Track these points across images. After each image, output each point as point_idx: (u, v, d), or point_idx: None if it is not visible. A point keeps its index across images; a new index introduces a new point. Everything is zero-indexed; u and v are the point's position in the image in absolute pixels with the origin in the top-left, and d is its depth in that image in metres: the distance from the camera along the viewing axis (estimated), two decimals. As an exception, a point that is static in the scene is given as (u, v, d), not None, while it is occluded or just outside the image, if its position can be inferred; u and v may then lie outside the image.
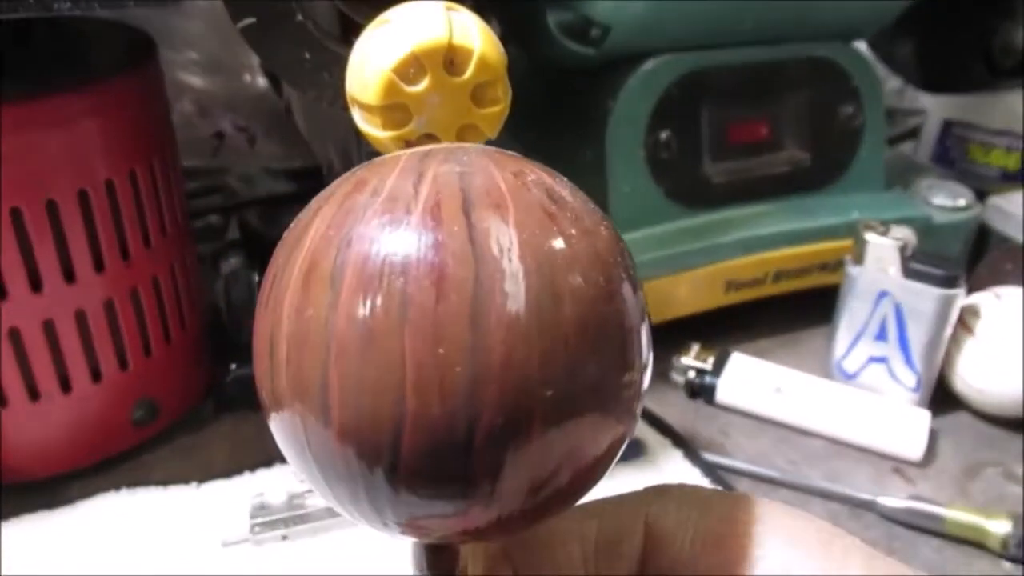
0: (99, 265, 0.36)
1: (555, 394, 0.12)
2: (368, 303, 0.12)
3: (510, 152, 0.15)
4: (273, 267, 0.14)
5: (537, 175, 0.14)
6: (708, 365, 0.45)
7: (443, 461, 0.12)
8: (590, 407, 0.13)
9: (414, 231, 0.12)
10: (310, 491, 0.36)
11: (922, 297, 0.41)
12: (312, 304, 0.13)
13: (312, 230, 0.13)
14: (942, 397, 0.44)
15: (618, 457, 0.14)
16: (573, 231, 0.13)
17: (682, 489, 0.17)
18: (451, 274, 0.12)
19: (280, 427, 0.14)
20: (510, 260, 0.12)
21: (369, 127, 0.20)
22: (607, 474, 0.15)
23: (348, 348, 0.12)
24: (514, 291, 0.12)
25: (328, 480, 0.13)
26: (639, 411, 0.14)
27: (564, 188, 0.14)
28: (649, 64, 0.44)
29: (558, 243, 0.13)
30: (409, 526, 0.13)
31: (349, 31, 0.29)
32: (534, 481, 0.13)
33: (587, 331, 0.13)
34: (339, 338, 0.12)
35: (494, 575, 0.16)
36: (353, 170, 0.14)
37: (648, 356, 0.14)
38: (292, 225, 0.14)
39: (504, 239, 0.12)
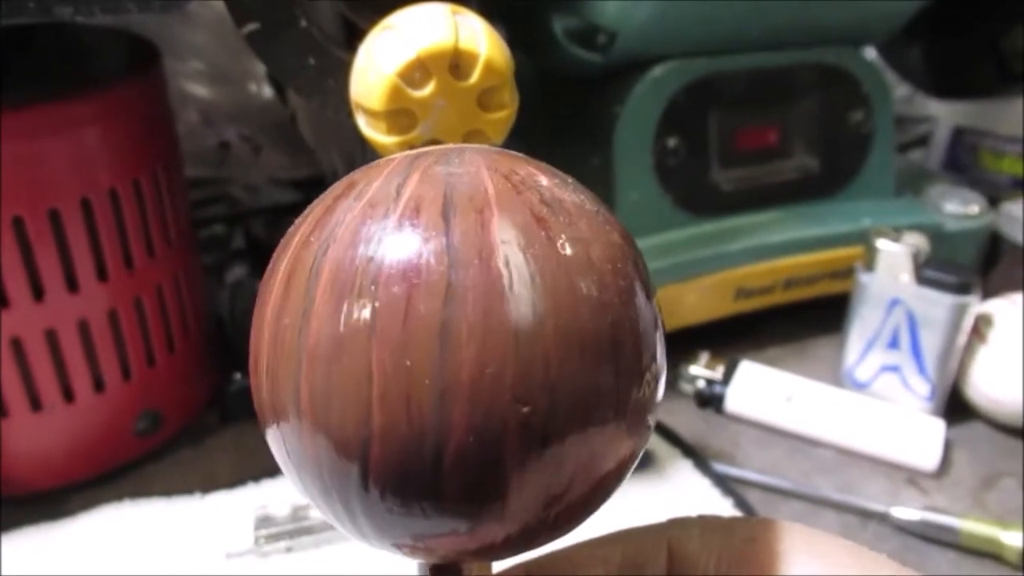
0: (102, 274, 0.36)
1: (532, 412, 0.12)
2: (339, 311, 0.12)
3: (513, 152, 0.14)
4: (264, 275, 0.14)
5: (534, 177, 0.13)
6: (718, 374, 0.44)
7: (412, 479, 0.12)
8: (577, 425, 0.12)
9: (388, 236, 0.12)
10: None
11: (935, 304, 0.40)
12: (289, 312, 0.12)
13: (298, 235, 0.13)
14: (956, 406, 0.43)
15: (625, 476, 0.14)
16: (564, 237, 0.12)
17: (703, 517, 0.17)
18: (422, 283, 0.11)
19: (270, 439, 0.13)
20: (488, 269, 0.12)
21: (374, 133, 0.20)
22: (613, 494, 0.14)
23: (318, 358, 0.12)
24: (490, 302, 0.11)
25: (311, 493, 0.13)
26: (643, 427, 0.13)
27: (564, 190, 0.13)
28: (656, 70, 0.44)
29: (544, 251, 0.12)
30: (399, 545, 0.13)
31: (354, 36, 0.29)
32: (530, 500, 0.12)
33: (571, 345, 0.12)
34: (310, 348, 0.12)
35: None
36: (352, 172, 0.14)
37: (654, 365, 0.13)
38: (284, 236, 0.14)
39: (484, 246, 0.12)
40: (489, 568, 0.15)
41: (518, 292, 0.12)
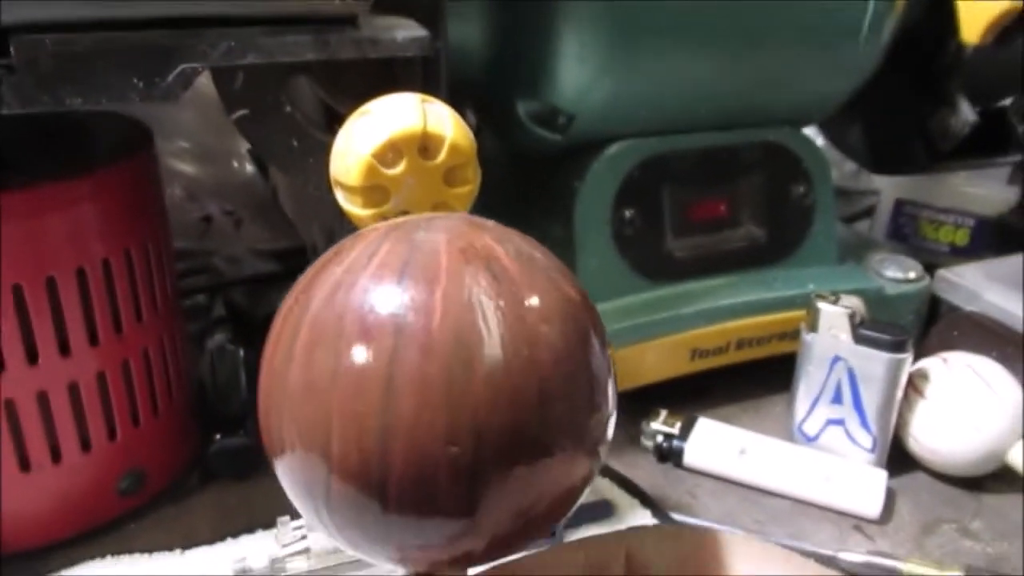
0: (93, 338, 0.38)
1: (460, 452, 0.14)
2: (310, 360, 0.14)
3: (481, 221, 0.16)
4: (273, 327, 0.16)
5: (489, 248, 0.15)
6: (676, 430, 0.47)
7: (363, 504, 0.14)
8: (503, 464, 0.14)
9: (354, 297, 0.14)
10: (291, 555, 0.37)
11: (872, 361, 0.44)
12: (279, 362, 0.15)
13: (293, 295, 0.16)
14: (899, 457, 0.46)
15: (583, 495, 0.16)
16: (502, 303, 0.14)
17: (658, 526, 0.20)
18: (375, 338, 0.14)
19: (284, 471, 0.15)
20: (428, 330, 0.14)
21: (351, 206, 0.22)
22: (571, 511, 0.16)
23: (296, 396, 0.14)
24: (425, 358, 0.13)
25: (306, 512, 0.15)
26: (602, 456, 0.16)
27: (516, 259, 0.15)
28: (613, 148, 0.47)
29: (483, 315, 0.14)
30: (404, 558, 0.15)
31: (333, 121, 0.32)
32: (509, 510, 0.14)
33: (499, 397, 0.14)
34: (291, 391, 0.14)
35: None
36: (342, 240, 0.17)
37: (611, 407, 0.15)
38: (292, 288, 0.16)
39: (429, 310, 0.14)
40: (464, 574, 0.17)
41: (453, 350, 0.14)
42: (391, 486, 0.14)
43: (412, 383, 0.13)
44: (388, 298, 0.14)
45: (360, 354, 0.14)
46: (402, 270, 0.14)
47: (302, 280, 0.16)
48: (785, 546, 0.40)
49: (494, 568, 0.19)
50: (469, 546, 0.15)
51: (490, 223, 0.16)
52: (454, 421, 0.13)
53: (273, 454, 0.15)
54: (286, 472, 0.15)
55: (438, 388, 0.13)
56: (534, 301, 0.14)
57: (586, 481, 0.16)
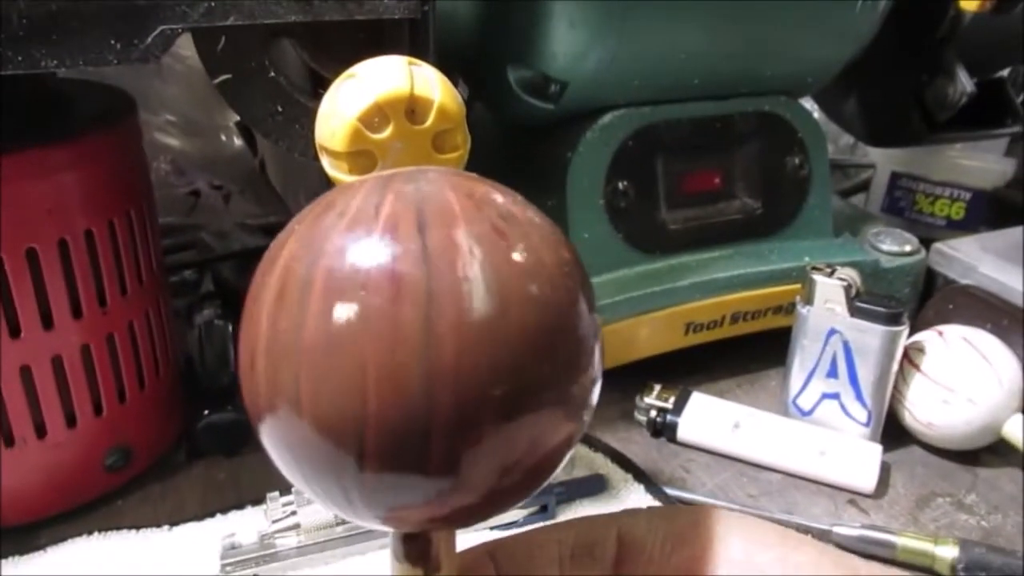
0: (77, 312, 0.37)
1: (505, 393, 0.14)
2: (333, 313, 0.14)
3: (468, 173, 0.16)
4: (251, 287, 0.15)
5: (490, 195, 0.15)
6: (669, 404, 0.46)
7: (405, 455, 0.14)
8: (541, 406, 0.14)
9: (374, 248, 0.14)
10: (281, 531, 0.37)
11: (868, 334, 0.43)
12: (285, 317, 0.14)
13: (285, 250, 0.15)
14: (894, 431, 0.46)
15: (570, 452, 0.16)
16: (521, 246, 0.14)
17: (651, 507, 0.19)
18: (406, 286, 0.13)
19: (266, 432, 0.15)
20: (459, 273, 0.14)
21: (337, 172, 0.22)
22: (561, 468, 0.16)
23: (317, 355, 0.14)
24: (463, 301, 0.13)
25: (307, 476, 0.15)
26: (588, 414, 0.16)
27: (516, 206, 0.15)
28: (606, 118, 0.47)
29: (505, 256, 0.14)
30: (384, 517, 0.15)
31: (318, 85, 0.32)
32: (491, 471, 0.14)
33: (533, 337, 0.14)
34: (308, 346, 0.14)
35: (477, 574, 0.18)
36: (324, 194, 0.16)
37: (597, 367, 0.15)
38: (270, 247, 0.16)
39: (454, 254, 0.14)
40: (453, 536, 0.17)
41: (485, 292, 0.14)
42: (435, 434, 0.13)
43: (448, 327, 0.13)
44: (410, 245, 0.14)
45: (389, 303, 0.13)
46: (418, 217, 0.14)
47: (291, 236, 0.15)
48: (780, 521, 0.40)
49: (485, 545, 0.18)
50: (455, 504, 0.14)
51: (480, 178, 0.16)
52: (496, 361, 0.13)
53: (270, 416, 0.15)
54: (292, 435, 0.14)
55: (476, 330, 0.13)
56: (528, 257, 0.14)
57: (569, 442, 0.15)
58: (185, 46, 0.29)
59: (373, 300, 0.13)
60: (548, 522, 0.19)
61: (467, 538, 0.18)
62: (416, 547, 0.16)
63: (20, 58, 0.26)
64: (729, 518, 0.19)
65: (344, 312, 0.13)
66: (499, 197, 0.15)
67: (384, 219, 0.14)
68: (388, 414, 0.13)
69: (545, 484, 0.16)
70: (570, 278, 0.15)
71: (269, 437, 0.15)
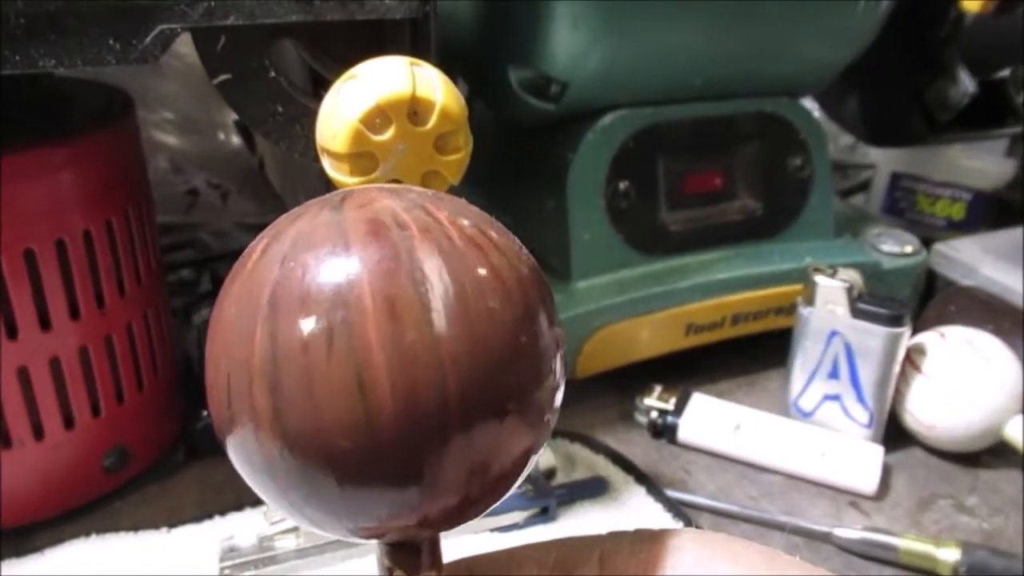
0: (74, 312, 0.37)
1: (469, 403, 0.14)
2: (303, 325, 0.14)
3: (431, 190, 0.16)
4: (219, 302, 0.15)
5: (454, 211, 0.15)
6: (670, 406, 0.46)
7: (378, 462, 0.14)
8: (505, 414, 0.14)
9: (341, 259, 0.14)
10: (280, 533, 0.37)
11: (869, 335, 0.43)
12: (257, 328, 0.14)
13: (251, 261, 0.15)
14: (895, 433, 0.45)
15: (534, 459, 0.16)
16: (483, 262, 0.14)
17: (638, 529, 0.19)
18: (371, 301, 0.13)
19: (236, 448, 0.15)
20: (429, 285, 0.14)
21: (338, 174, 0.21)
22: (530, 467, 0.16)
23: (290, 367, 0.14)
24: (430, 313, 0.14)
25: (281, 492, 0.15)
26: (553, 418, 0.16)
27: (480, 223, 0.15)
28: (607, 119, 0.46)
29: (469, 273, 0.14)
30: (363, 528, 0.15)
31: (319, 86, 0.31)
32: (460, 476, 0.14)
33: (495, 351, 0.14)
34: (282, 358, 0.14)
35: None
36: (305, 203, 0.16)
37: (559, 376, 0.16)
38: (238, 260, 0.15)
39: (418, 268, 0.14)
40: (439, 541, 0.16)
41: (437, 307, 0.14)
42: (402, 442, 0.14)
43: (421, 336, 0.14)
44: (378, 256, 0.14)
45: (361, 313, 0.14)
46: (393, 230, 0.14)
47: (263, 247, 0.15)
48: (780, 524, 0.39)
49: (464, 560, 0.18)
50: (423, 512, 0.15)
51: (447, 197, 0.16)
52: (461, 370, 0.14)
53: (240, 430, 0.14)
54: (266, 449, 0.14)
55: (427, 343, 0.14)
56: (484, 274, 0.14)
57: (533, 447, 0.16)
58: (184, 44, 0.29)
59: (336, 316, 0.13)
60: (547, 527, 0.19)
61: (467, 540, 0.18)
62: (403, 557, 0.16)
63: (18, 58, 0.26)
64: (714, 542, 0.18)
65: (314, 325, 0.13)
66: (463, 213, 0.15)
67: (348, 233, 0.14)
68: (358, 425, 0.13)
69: (517, 484, 0.16)
70: (529, 294, 0.15)
71: (239, 451, 0.15)
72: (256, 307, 0.14)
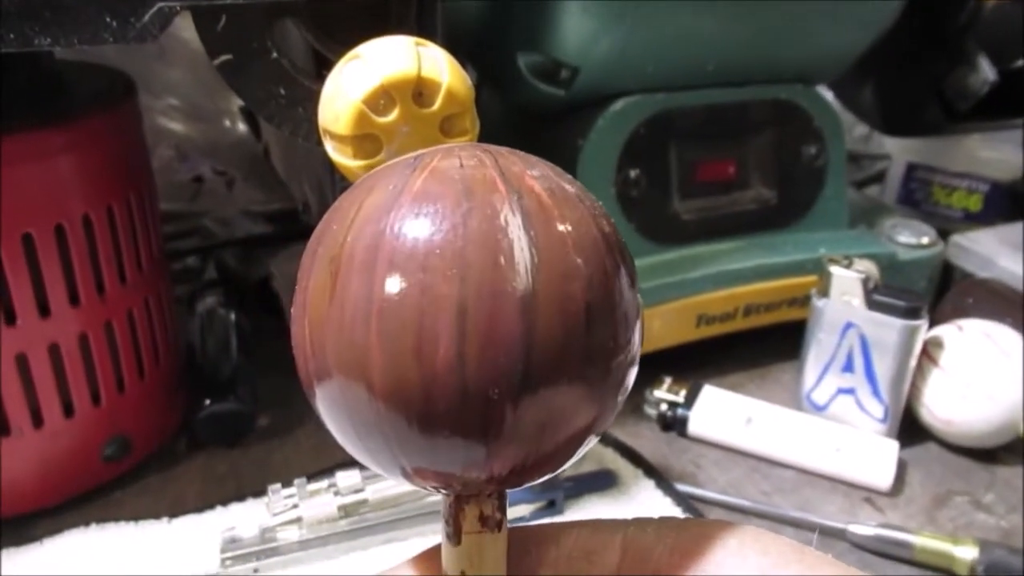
0: (74, 299, 0.36)
1: (546, 361, 0.14)
2: (395, 282, 0.14)
3: (524, 153, 0.16)
4: (305, 266, 0.16)
5: (532, 167, 0.15)
6: (680, 398, 0.45)
7: (460, 414, 0.14)
8: (564, 375, 0.14)
9: (428, 217, 0.14)
10: (282, 524, 0.36)
11: (886, 328, 0.42)
12: (350, 282, 0.14)
13: (336, 227, 0.15)
14: (910, 428, 0.44)
15: (608, 423, 0.16)
16: (563, 219, 0.15)
17: (662, 517, 0.18)
18: (461, 255, 0.14)
19: (321, 400, 0.15)
20: (512, 241, 0.14)
21: (341, 157, 0.21)
22: (588, 444, 0.16)
23: (383, 321, 0.14)
24: (515, 269, 0.14)
25: (363, 442, 0.15)
26: (628, 385, 0.16)
27: (558, 178, 0.15)
28: (618, 105, 0.45)
29: (546, 229, 0.14)
30: (431, 476, 0.15)
31: (322, 67, 0.30)
32: (533, 429, 0.15)
33: (576, 308, 0.14)
34: (376, 313, 0.14)
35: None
36: (372, 172, 0.16)
37: (636, 346, 0.16)
38: (318, 228, 0.16)
39: (495, 226, 0.14)
40: (505, 499, 0.17)
41: (522, 261, 0.14)
42: (487, 396, 0.14)
43: (481, 300, 0.14)
44: (459, 216, 0.14)
45: (443, 271, 0.14)
46: (464, 188, 0.15)
47: (344, 214, 0.15)
48: (794, 520, 0.39)
49: None
50: (492, 465, 0.15)
51: (523, 154, 0.16)
52: (547, 327, 0.14)
53: (328, 383, 0.15)
54: (351, 401, 0.15)
55: (511, 302, 0.14)
56: (568, 229, 0.15)
57: (600, 417, 0.16)
58: (188, 28, 0.28)
59: (431, 270, 0.14)
60: (555, 520, 0.18)
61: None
62: (466, 511, 0.16)
63: (12, 36, 0.25)
64: (743, 533, 0.18)
65: (405, 281, 0.14)
66: (541, 169, 0.16)
67: (421, 194, 0.15)
68: (445, 378, 0.14)
69: (579, 453, 0.16)
70: (613, 251, 0.15)
71: (327, 405, 0.15)
72: (349, 263, 0.15)
